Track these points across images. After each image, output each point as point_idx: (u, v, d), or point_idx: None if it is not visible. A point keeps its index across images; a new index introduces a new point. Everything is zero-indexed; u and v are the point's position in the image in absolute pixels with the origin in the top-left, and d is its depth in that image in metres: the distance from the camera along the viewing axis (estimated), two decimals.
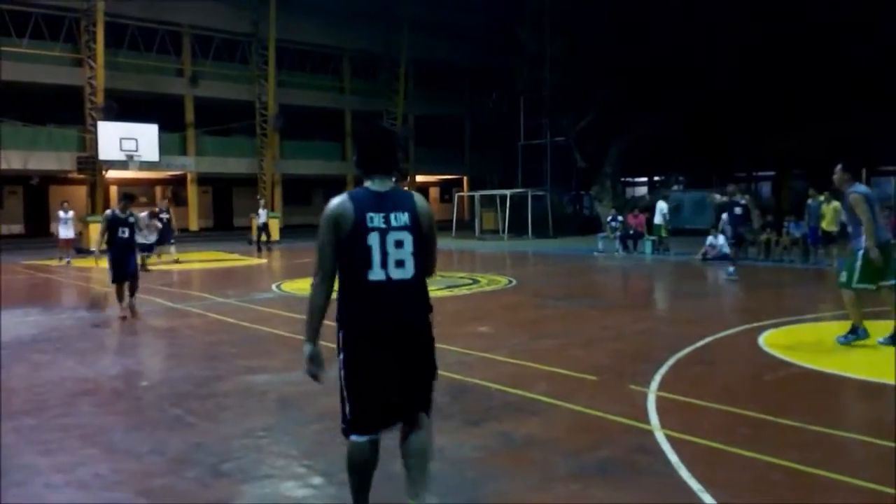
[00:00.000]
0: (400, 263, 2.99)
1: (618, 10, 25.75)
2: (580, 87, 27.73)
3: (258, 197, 28.16)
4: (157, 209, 18.45)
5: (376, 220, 2.98)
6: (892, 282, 6.89)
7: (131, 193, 10.34)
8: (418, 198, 3.12)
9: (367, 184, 3.08)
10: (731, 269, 13.37)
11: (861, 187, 7.00)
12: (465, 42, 34.89)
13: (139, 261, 11.27)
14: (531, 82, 29.96)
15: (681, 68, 25.03)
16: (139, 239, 11.31)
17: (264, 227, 23.34)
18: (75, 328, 8.81)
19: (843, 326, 7.40)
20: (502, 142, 35.49)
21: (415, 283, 3.03)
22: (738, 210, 13.62)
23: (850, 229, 7.14)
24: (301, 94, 33.98)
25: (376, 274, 2.97)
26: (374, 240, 2.97)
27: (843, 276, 7.01)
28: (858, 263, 6.84)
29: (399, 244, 2.99)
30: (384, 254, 2.97)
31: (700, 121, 27.47)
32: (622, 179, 32.66)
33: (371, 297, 2.99)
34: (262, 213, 23.59)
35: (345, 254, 2.98)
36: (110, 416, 5.23)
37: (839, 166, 7.11)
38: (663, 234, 19.03)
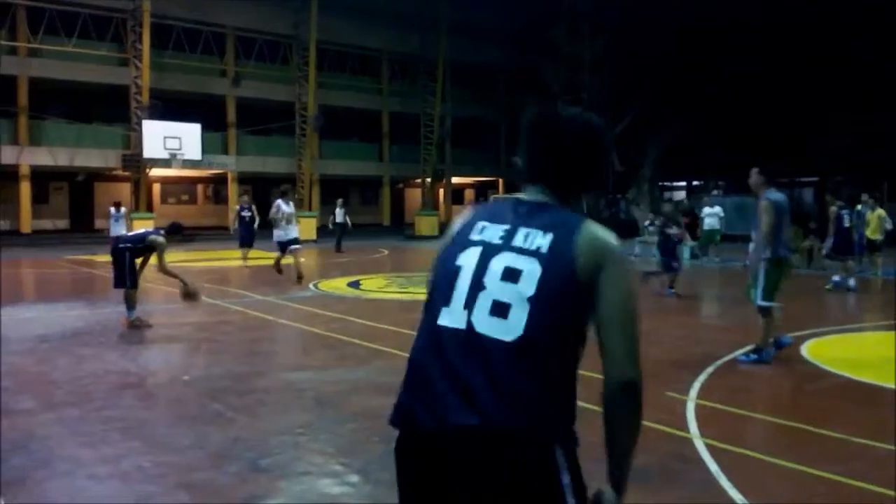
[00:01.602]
0: (499, 309, 1.66)
1: (656, 11, 25.48)
2: (618, 89, 27.50)
3: (339, 199, 27.14)
4: (237, 206, 18.02)
5: (488, 231, 1.78)
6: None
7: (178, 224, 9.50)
8: (594, 227, 1.73)
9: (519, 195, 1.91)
10: (838, 278, 12.91)
11: (775, 194, 6.57)
12: (502, 44, 34.84)
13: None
14: (568, 84, 29.80)
15: (721, 68, 24.69)
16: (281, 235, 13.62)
17: (342, 227, 22.74)
18: (117, 323, 8.99)
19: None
20: None
21: (516, 355, 1.61)
22: (849, 219, 13.23)
23: (753, 236, 6.84)
24: (340, 95, 34.27)
25: (449, 316, 1.72)
26: (468, 258, 1.75)
27: (752, 293, 6.72)
28: (763, 277, 6.54)
29: (511, 275, 1.68)
30: (476, 285, 1.71)
31: (740, 124, 27.04)
32: (659, 184, 32.29)
33: (423, 358, 1.74)
34: (339, 212, 22.95)
35: (430, 280, 1.87)
36: (152, 410, 5.34)
37: (755, 169, 6.71)
38: (717, 238, 18.75)
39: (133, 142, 27.47)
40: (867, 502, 3.65)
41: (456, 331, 1.70)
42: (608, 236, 1.73)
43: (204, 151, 28.17)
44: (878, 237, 14.28)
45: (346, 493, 3.79)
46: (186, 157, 27.35)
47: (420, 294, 11.87)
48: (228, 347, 7.74)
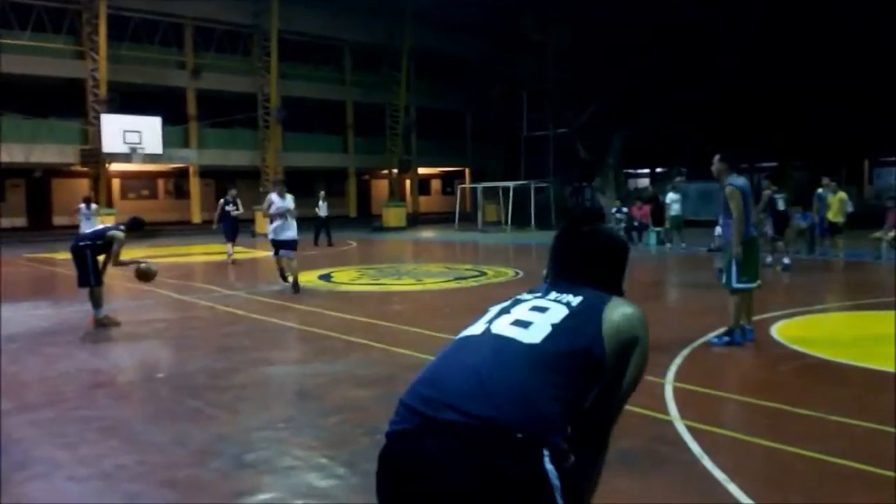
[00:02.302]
0: (522, 323, 1.77)
1: (621, 2, 25.66)
2: (583, 78, 27.66)
3: (320, 190, 25.71)
4: (221, 200, 17.41)
5: (522, 295, 1.94)
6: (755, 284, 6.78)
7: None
8: (624, 301, 1.87)
9: None
10: (787, 260, 13.35)
11: (738, 180, 6.70)
12: (468, 33, 34.80)
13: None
14: (534, 74, 29.90)
15: (683, 60, 24.97)
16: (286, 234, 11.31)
17: (326, 222, 21.78)
18: (86, 321, 8.81)
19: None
20: (505, 134, 35.46)
21: (530, 356, 1.67)
22: (779, 204, 13.93)
23: (720, 222, 6.96)
24: (303, 85, 33.90)
25: (470, 330, 1.84)
26: (500, 305, 1.92)
27: (723, 277, 6.83)
28: (735, 262, 6.63)
29: (538, 309, 1.81)
30: (503, 311, 1.86)
31: (702, 112, 27.40)
32: (625, 171, 32.62)
33: (438, 359, 1.78)
34: (323, 205, 21.81)
35: None
36: (128, 408, 5.24)
37: (717, 156, 6.81)
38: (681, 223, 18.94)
39: (91, 136, 26.88)
40: (847, 479, 3.73)
41: (473, 336, 1.81)
42: (639, 312, 1.85)
43: (164, 145, 27.68)
44: (840, 220, 14.61)
45: (334, 485, 3.77)
46: (147, 152, 26.84)
47: (393, 285, 11.86)
48: (201, 343, 7.63)
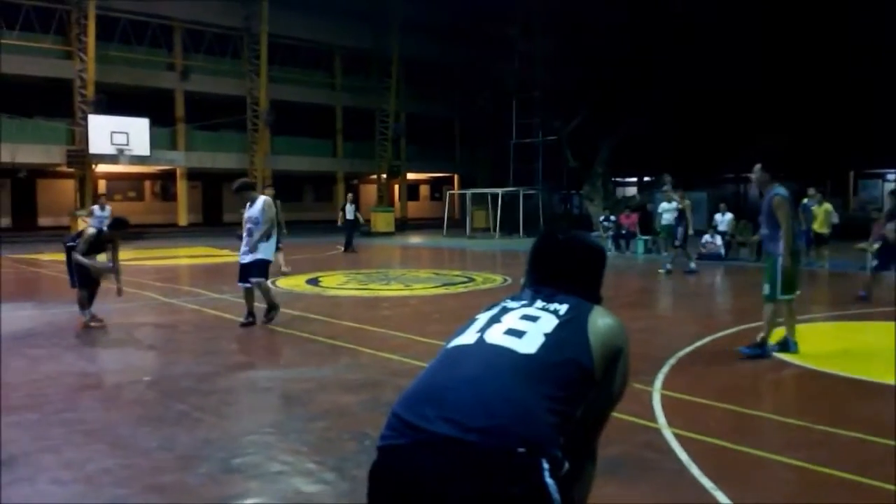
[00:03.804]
0: (515, 332, 1.75)
1: (606, 8, 25.80)
2: (571, 86, 27.76)
3: (347, 193, 25.82)
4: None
5: (508, 302, 1.92)
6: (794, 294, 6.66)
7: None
8: (605, 311, 1.88)
9: None
10: (694, 265, 14.40)
11: (782, 189, 6.58)
12: (457, 40, 34.86)
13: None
14: (522, 81, 29.99)
15: (669, 68, 25.13)
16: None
17: (354, 224, 21.17)
18: (71, 323, 8.74)
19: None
20: (493, 140, 35.54)
21: (525, 366, 1.66)
22: (666, 211, 14.85)
23: (765, 232, 6.80)
24: (292, 90, 33.85)
25: (461, 339, 1.81)
26: (487, 312, 1.89)
27: (766, 288, 6.59)
28: (779, 272, 6.45)
29: (529, 318, 1.80)
30: (493, 320, 1.83)
31: (689, 121, 27.59)
32: (613, 179, 32.75)
33: (430, 370, 1.75)
34: (350, 208, 21.04)
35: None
36: (114, 412, 5.19)
37: (758, 166, 6.74)
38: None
39: (78, 137, 26.71)
40: (832, 487, 3.76)
41: (465, 345, 1.77)
42: (620, 322, 1.87)
43: (152, 147, 27.53)
44: (826, 231, 14.74)
45: (322, 491, 3.75)
46: (134, 153, 26.68)
47: (381, 290, 11.83)
48: (187, 347, 7.58)
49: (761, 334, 6.62)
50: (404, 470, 1.56)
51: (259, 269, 8.43)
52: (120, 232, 8.61)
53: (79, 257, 8.19)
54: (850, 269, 14.35)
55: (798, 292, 6.81)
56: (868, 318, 8.94)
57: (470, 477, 1.49)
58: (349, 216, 20.96)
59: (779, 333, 6.82)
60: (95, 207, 17.92)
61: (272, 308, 8.51)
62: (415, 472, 1.54)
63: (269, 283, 8.66)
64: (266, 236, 8.39)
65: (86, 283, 8.39)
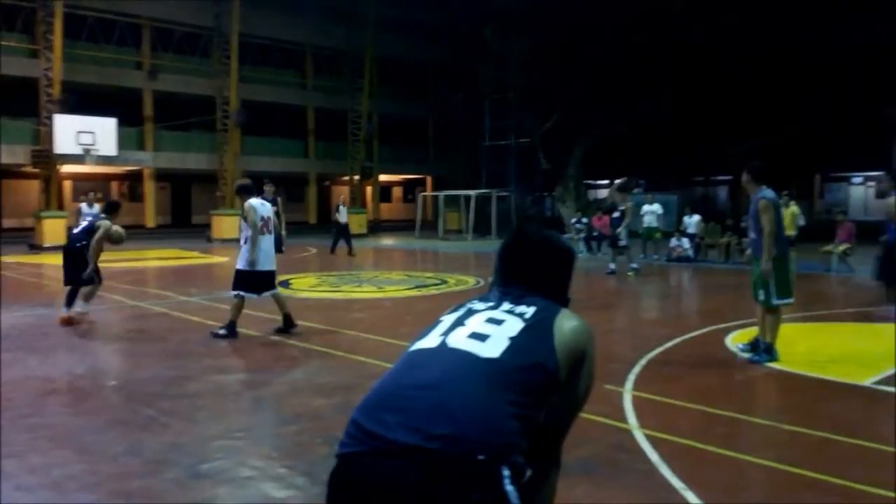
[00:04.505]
0: (479, 336, 1.73)
1: (581, 11, 25.99)
2: (544, 88, 27.92)
3: (340, 195, 25.24)
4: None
5: (475, 304, 1.89)
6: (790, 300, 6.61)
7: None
8: (572, 314, 1.88)
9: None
10: (614, 266, 14.54)
11: (769, 192, 6.52)
12: (431, 41, 34.90)
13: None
14: (496, 83, 30.08)
15: (642, 71, 25.39)
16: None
17: (346, 226, 20.70)
18: (36, 326, 8.57)
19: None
20: (467, 142, 35.58)
21: (488, 371, 1.64)
22: (616, 214, 14.76)
23: (752, 237, 6.68)
24: (263, 89, 33.56)
25: (423, 343, 1.79)
26: (452, 314, 1.87)
27: (761, 294, 6.52)
28: (772, 276, 6.39)
29: (494, 322, 1.77)
30: (457, 322, 1.80)
31: (660, 124, 27.89)
32: (585, 182, 32.99)
33: (391, 374, 1.73)
34: (343, 210, 20.72)
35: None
36: (80, 417, 5.10)
37: (746, 169, 6.67)
38: (657, 235, 18.65)
39: (43, 137, 26.17)
40: (800, 487, 3.81)
41: (427, 349, 1.74)
42: (586, 325, 1.86)
43: (119, 147, 27.09)
44: (792, 233, 14.94)
45: (293, 496, 3.71)
46: (101, 153, 26.19)
47: (353, 293, 11.76)
48: (155, 351, 7.46)
49: (766, 339, 6.52)
50: (363, 478, 1.54)
51: (235, 279, 8.00)
52: (116, 214, 9.07)
53: (94, 248, 8.61)
54: (816, 271, 14.60)
55: (791, 299, 6.75)
56: (833, 320, 9.10)
57: (429, 485, 1.47)
58: (343, 219, 20.71)
59: (751, 334, 6.90)
60: (83, 205, 16.57)
61: (228, 328, 7.80)
62: (374, 480, 1.52)
63: (241, 297, 7.95)
64: (249, 242, 7.80)
65: (97, 278, 8.72)
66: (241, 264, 7.95)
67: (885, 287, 9.19)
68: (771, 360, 6.43)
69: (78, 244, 8.70)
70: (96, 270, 8.76)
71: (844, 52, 24.06)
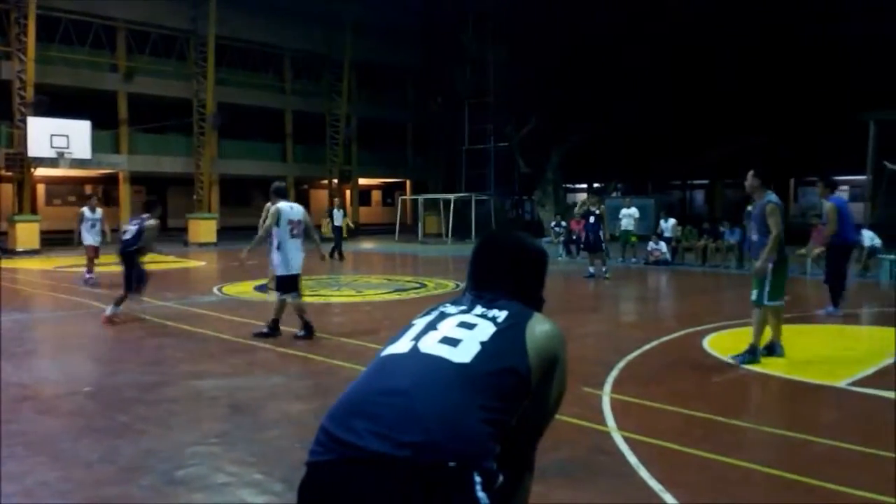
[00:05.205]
0: (450, 341, 1.71)
1: (557, 17, 26.15)
2: (523, 92, 28.03)
3: (334, 198, 24.99)
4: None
5: (447, 308, 1.87)
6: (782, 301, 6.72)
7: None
8: (544, 318, 1.86)
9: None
10: (593, 269, 14.46)
11: (775, 196, 6.65)
12: (410, 45, 34.89)
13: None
14: (475, 87, 30.15)
15: (619, 76, 25.59)
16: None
17: (341, 230, 20.41)
18: (10, 332, 8.43)
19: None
20: (446, 146, 35.62)
21: (459, 375, 1.62)
22: (591, 219, 14.75)
23: (754, 239, 6.75)
24: (241, 92, 33.33)
25: (394, 347, 1.77)
26: (424, 318, 1.86)
27: (754, 294, 6.60)
28: (768, 278, 6.49)
29: (466, 326, 1.76)
30: (429, 326, 1.79)
31: (638, 129, 28.13)
32: (563, 185, 33.17)
33: (361, 380, 1.71)
34: (338, 214, 20.38)
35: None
36: (55, 424, 5.01)
37: (751, 173, 6.77)
38: (634, 239, 18.69)
39: (17, 140, 25.81)
40: (776, 487, 3.84)
41: (398, 355, 1.72)
42: (558, 329, 1.83)
43: (93, 150, 26.77)
44: None
45: (269, 502, 3.68)
46: (75, 157, 25.86)
47: (332, 296, 11.69)
48: (130, 356, 7.37)
49: (752, 340, 6.61)
50: (333, 487, 1.52)
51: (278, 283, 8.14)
52: (157, 211, 9.64)
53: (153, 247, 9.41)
54: (791, 274, 14.71)
55: (787, 298, 6.87)
56: (808, 322, 9.21)
57: (400, 493, 1.46)
58: (336, 222, 20.44)
59: (730, 336, 6.95)
60: (85, 210, 15.01)
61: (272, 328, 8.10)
62: (344, 489, 1.50)
63: (286, 298, 8.07)
64: (273, 246, 7.97)
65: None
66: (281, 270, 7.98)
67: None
68: (753, 361, 6.49)
69: (133, 247, 9.16)
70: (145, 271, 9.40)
71: (819, 54, 24.43)
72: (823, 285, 10.02)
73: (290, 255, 7.91)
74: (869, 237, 14.49)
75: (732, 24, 24.58)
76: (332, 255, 19.44)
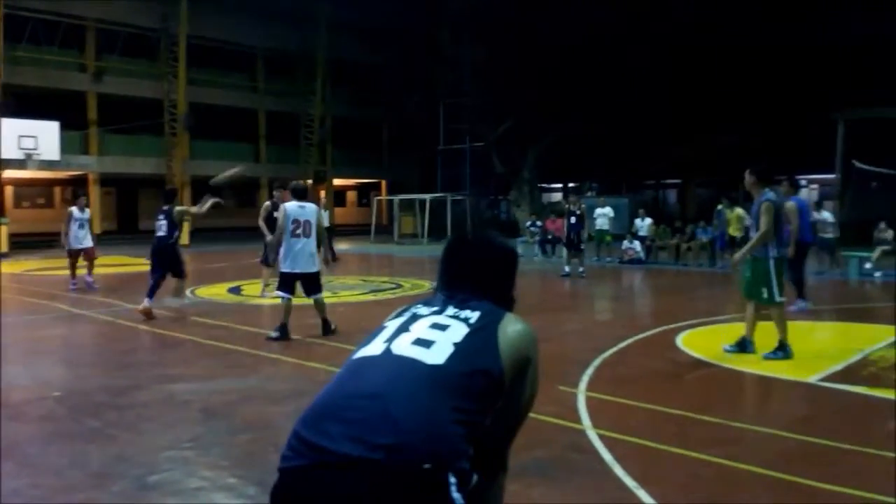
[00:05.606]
0: (423, 342, 1.70)
1: (533, 17, 26.22)
2: (498, 92, 28.08)
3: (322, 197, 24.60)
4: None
5: (419, 309, 1.86)
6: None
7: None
8: (516, 318, 1.86)
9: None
10: (568, 268, 14.71)
11: (772, 194, 6.77)
12: (385, 44, 34.71)
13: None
14: (451, 87, 30.14)
15: (593, 77, 25.73)
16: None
17: (331, 231, 19.89)
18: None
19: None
20: (421, 146, 35.56)
21: (432, 377, 1.62)
22: (573, 219, 14.95)
23: (753, 236, 6.83)
24: (213, 92, 33.00)
25: (366, 350, 1.76)
26: (396, 320, 1.85)
27: (764, 293, 6.67)
28: (773, 276, 6.60)
29: (438, 327, 1.75)
30: (402, 329, 1.78)
31: (611, 129, 28.32)
32: (539, 185, 33.30)
33: (333, 383, 1.70)
34: (324, 214, 19.98)
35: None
36: (22, 429, 4.91)
37: (748, 171, 6.87)
38: (608, 238, 18.73)
39: None
40: (749, 483, 3.88)
41: (371, 357, 1.71)
42: (530, 329, 1.84)
43: (62, 151, 26.36)
44: (739, 234, 15.36)
45: None
46: (43, 158, 25.46)
47: (306, 299, 11.60)
48: (100, 360, 7.27)
49: (779, 337, 6.68)
50: (307, 493, 1.51)
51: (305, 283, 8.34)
52: (175, 201, 10.47)
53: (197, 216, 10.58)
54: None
55: (784, 298, 6.94)
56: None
57: (374, 497, 1.45)
58: (325, 222, 20.04)
59: (702, 334, 7.02)
60: (75, 209, 14.44)
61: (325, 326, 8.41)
62: (318, 494, 1.48)
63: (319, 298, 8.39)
64: (285, 245, 8.14)
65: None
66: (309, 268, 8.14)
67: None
68: (787, 357, 6.52)
69: (170, 241, 9.76)
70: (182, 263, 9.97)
71: (792, 53, 24.77)
72: (788, 282, 10.16)
73: (291, 254, 8.04)
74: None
75: (703, 25, 24.83)
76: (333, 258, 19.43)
